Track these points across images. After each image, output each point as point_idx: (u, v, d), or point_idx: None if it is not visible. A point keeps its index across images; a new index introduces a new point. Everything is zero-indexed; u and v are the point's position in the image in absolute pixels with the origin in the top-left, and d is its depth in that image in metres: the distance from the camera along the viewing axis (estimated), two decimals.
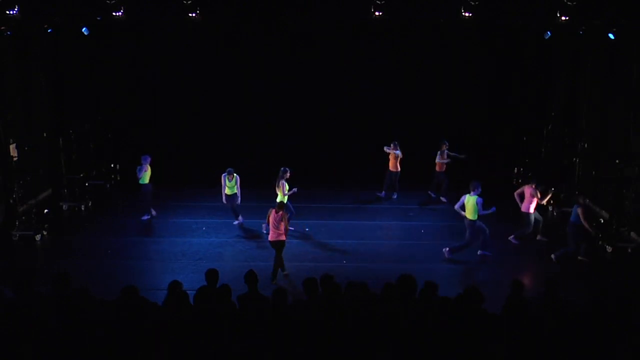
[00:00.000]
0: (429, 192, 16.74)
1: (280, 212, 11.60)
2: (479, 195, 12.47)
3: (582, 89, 16.94)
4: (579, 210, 12.33)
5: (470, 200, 12.52)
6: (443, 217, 15.17)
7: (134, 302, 6.82)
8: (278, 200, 13.55)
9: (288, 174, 13.76)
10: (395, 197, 16.72)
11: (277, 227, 11.58)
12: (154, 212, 15.07)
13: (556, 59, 18.04)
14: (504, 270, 12.09)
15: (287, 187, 13.63)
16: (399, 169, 16.46)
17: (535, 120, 18.40)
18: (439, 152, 16.43)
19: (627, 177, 13.87)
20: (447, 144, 16.46)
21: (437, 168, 16.46)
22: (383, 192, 16.81)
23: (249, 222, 14.60)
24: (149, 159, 14.77)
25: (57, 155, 16.43)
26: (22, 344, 6.15)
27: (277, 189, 13.69)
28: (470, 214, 12.57)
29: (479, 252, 12.91)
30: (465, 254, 12.97)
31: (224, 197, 14.44)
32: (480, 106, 18.53)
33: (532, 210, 13.54)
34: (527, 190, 13.64)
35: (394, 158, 16.42)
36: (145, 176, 14.72)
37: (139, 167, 14.71)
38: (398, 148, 16.38)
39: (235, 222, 14.63)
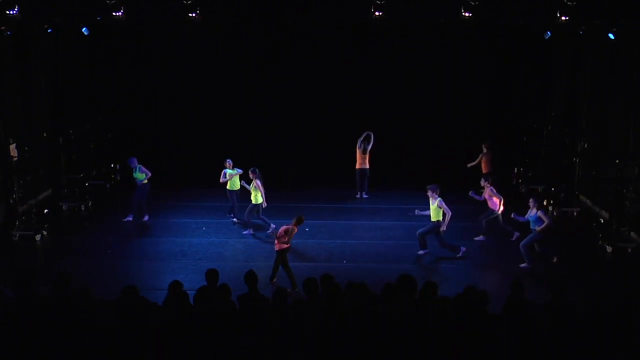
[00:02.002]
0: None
1: (296, 228, 11.57)
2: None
3: (582, 89, 16.93)
4: (542, 214, 11.99)
5: (435, 203, 12.57)
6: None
7: (134, 302, 6.83)
8: (255, 201, 13.74)
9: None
10: (362, 195, 16.76)
11: (284, 240, 11.44)
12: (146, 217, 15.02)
13: (556, 59, 18.04)
14: (504, 270, 12.08)
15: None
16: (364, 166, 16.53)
17: (535, 120, 18.41)
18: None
19: (627, 177, 13.86)
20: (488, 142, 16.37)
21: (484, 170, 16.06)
22: (363, 193, 16.81)
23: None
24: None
25: (57, 155, 16.43)
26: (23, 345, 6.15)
27: (256, 189, 13.77)
28: (436, 215, 12.64)
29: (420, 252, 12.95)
30: (466, 255, 12.99)
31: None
32: (480, 106, 18.52)
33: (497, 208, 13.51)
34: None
35: (360, 156, 16.48)
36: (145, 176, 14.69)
37: (138, 167, 14.60)
38: (360, 147, 16.42)
39: (235, 220, 14.67)
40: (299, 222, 11.58)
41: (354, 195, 16.75)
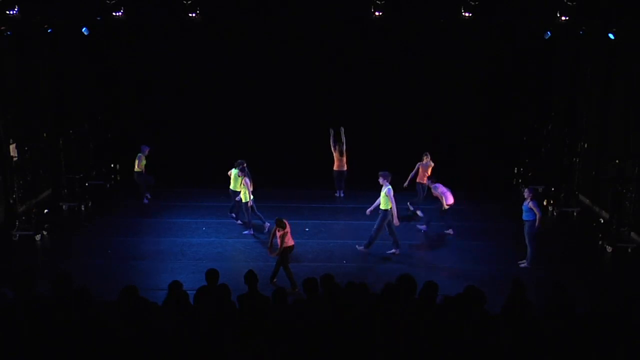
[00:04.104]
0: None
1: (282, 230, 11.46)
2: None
3: (582, 89, 16.94)
4: (533, 206, 12.09)
5: (384, 191, 12.71)
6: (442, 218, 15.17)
7: (134, 302, 6.82)
8: (245, 199, 13.76)
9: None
10: (338, 194, 16.86)
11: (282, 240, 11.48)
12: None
13: (556, 59, 18.04)
14: (505, 270, 12.07)
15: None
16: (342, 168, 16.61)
17: (535, 120, 18.42)
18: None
19: (627, 177, 13.87)
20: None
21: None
22: (341, 192, 16.87)
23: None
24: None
25: (57, 155, 16.43)
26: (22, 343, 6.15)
27: (244, 186, 13.78)
28: (385, 204, 12.73)
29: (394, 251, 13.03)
30: (465, 255, 12.99)
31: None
32: (480, 106, 18.53)
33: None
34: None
35: (338, 158, 16.53)
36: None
37: (139, 156, 15.88)
38: (336, 149, 16.47)
39: (239, 222, 14.65)
40: (279, 225, 11.46)
41: (333, 194, 16.84)
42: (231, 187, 14.56)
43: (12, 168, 14.63)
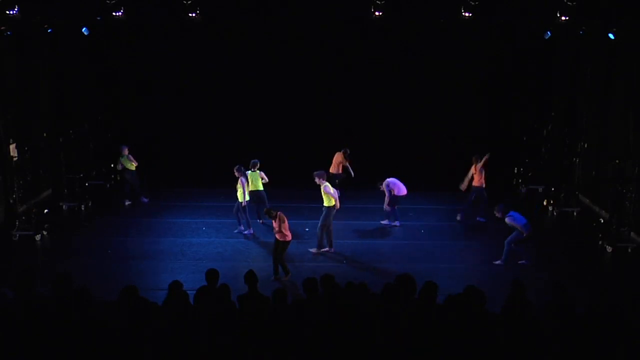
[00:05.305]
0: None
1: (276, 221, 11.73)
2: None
3: (582, 89, 16.94)
4: (508, 222, 12.24)
5: (321, 189, 12.91)
6: (443, 217, 15.17)
7: (134, 302, 6.82)
8: (241, 199, 13.86)
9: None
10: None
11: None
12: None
13: (556, 59, 18.04)
14: (505, 270, 12.08)
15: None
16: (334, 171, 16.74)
17: (535, 120, 18.42)
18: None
19: (627, 177, 13.87)
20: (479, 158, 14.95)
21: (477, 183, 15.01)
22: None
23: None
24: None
25: (57, 155, 16.44)
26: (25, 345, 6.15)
27: (240, 186, 13.88)
28: (326, 201, 12.95)
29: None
30: (465, 255, 12.99)
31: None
32: (480, 106, 18.52)
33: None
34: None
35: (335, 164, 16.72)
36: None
37: (127, 156, 16.03)
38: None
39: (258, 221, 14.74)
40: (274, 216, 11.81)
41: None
42: (250, 187, 14.32)
43: (12, 168, 14.64)
